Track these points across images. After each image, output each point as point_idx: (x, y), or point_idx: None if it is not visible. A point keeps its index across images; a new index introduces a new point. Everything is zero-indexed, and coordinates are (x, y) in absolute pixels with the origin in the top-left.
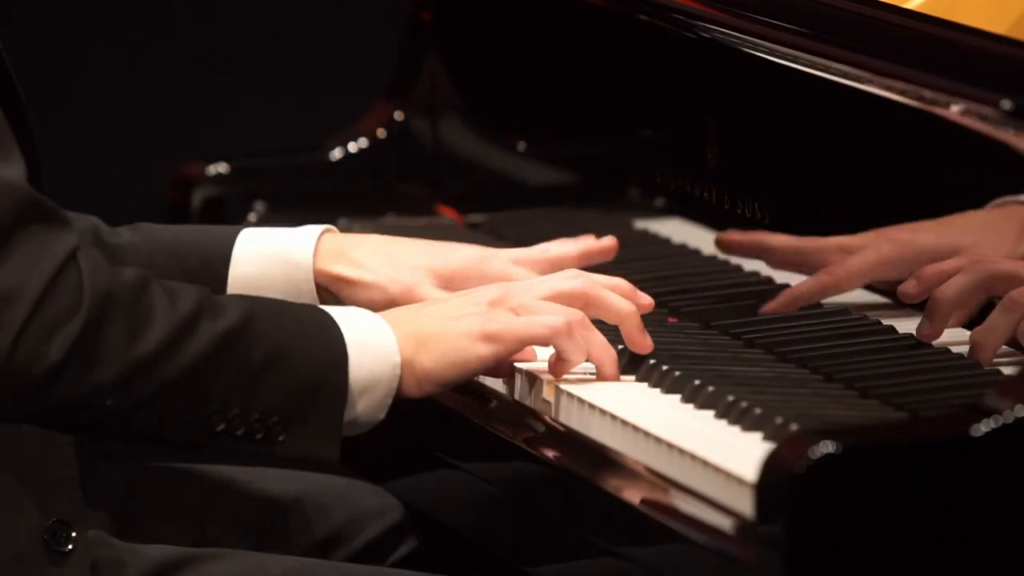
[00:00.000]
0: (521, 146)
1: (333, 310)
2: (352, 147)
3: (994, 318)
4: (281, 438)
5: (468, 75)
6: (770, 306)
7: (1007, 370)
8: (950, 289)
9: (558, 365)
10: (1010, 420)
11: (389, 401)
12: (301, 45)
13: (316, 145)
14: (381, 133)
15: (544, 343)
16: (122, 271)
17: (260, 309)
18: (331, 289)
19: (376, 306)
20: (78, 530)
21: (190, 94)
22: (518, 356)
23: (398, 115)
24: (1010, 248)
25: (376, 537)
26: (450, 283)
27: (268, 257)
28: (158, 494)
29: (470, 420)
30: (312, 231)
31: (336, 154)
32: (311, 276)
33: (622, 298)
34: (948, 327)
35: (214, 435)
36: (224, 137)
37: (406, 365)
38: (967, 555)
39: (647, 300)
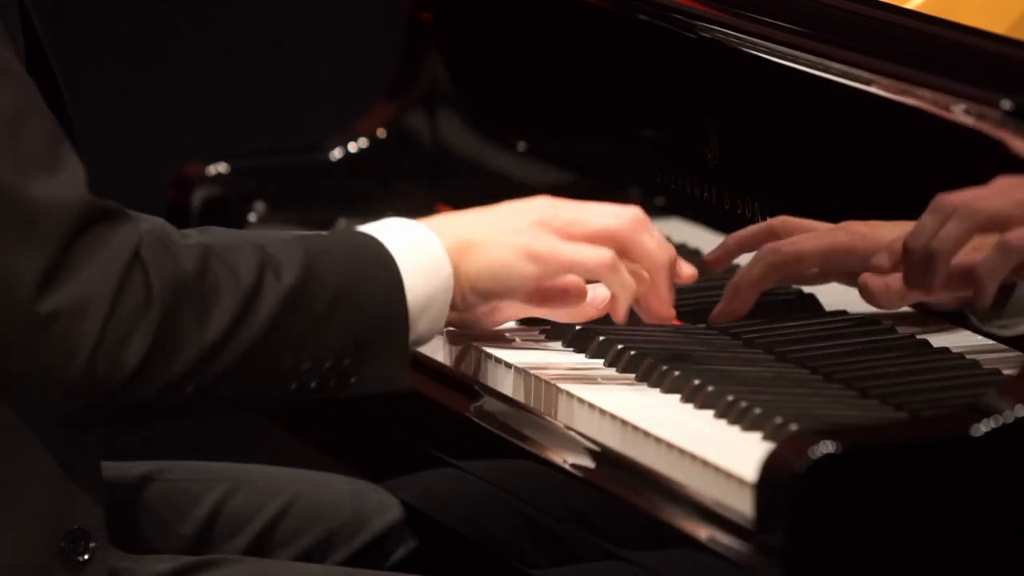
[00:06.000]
0: (521, 146)
1: (379, 233)
2: (352, 147)
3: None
4: (353, 379)
5: (468, 75)
6: (720, 309)
7: (1007, 370)
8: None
9: (611, 306)
10: (1010, 420)
11: (447, 311)
12: (301, 45)
13: (316, 145)
14: (381, 133)
15: (587, 275)
16: (182, 255)
17: (315, 253)
18: None
19: None
20: (96, 539)
21: (190, 94)
22: (558, 283)
23: (398, 115)
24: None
25: (376, 537)
26: None
27: None
28: (157, 498)
29: (470, 419)
30: None
31: (336, 154)
32: None
33: (660, 248)
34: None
35: (288, 393)
36: (224, 137)
37: (455, 274)
38: (967, 555)
39: (690, 271)
